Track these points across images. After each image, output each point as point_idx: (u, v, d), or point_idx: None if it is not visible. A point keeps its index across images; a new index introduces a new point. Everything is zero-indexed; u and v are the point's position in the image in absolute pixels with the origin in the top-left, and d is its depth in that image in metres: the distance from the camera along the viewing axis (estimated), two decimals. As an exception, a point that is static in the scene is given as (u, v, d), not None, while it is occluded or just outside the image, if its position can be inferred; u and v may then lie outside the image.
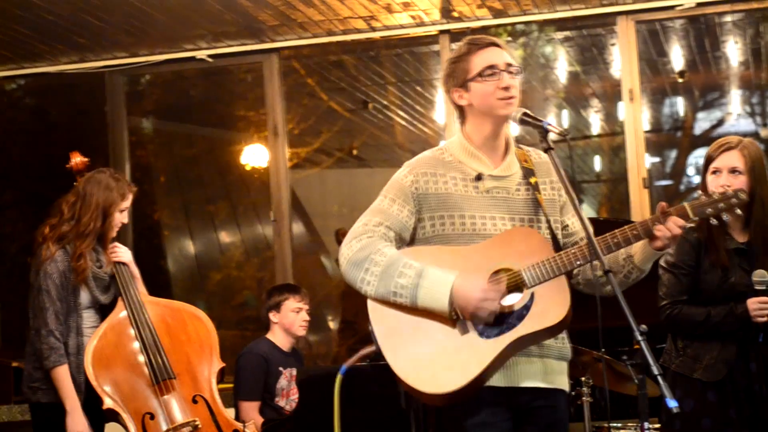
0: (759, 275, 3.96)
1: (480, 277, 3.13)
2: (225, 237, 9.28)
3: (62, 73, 7.71)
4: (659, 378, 2.80)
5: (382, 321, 3.18)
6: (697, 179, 10.32)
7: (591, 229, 3.11)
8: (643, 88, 7.48)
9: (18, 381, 4.85)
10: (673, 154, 10.93)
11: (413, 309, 3.15)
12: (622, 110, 7.23)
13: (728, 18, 7.39)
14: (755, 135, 9.76)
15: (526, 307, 3.14)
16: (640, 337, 2.87)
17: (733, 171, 4.04)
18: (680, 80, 8.89)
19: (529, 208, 3.32)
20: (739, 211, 3.28)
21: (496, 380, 3.14)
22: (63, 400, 4.52)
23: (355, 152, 10.25)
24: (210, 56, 7.55)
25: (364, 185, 10.12)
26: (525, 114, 3.27)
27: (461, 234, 3.24)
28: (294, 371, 5.65)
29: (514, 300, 3.15)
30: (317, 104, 9.16)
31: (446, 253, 3.20)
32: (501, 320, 3.13)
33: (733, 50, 8.22)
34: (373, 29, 7.31)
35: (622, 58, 7.12)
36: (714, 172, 4.09)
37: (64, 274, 4.62)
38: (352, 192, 10.35)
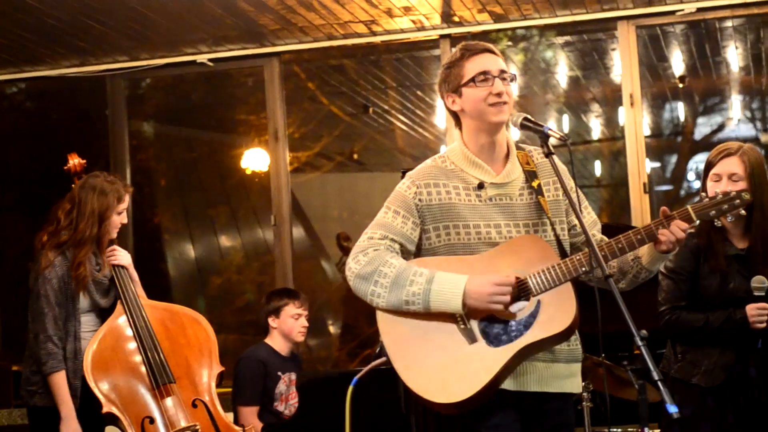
0: (758, 281, 3.96)
1: (489, 275, 3.14)
2: (225, 241, 9.28)
3: (63, 76, 7.71)
4: (660, 383, 2.81)
5: (391, 332, 3.19)
6: (697, 184, 10.32)
7: (591, 235, 3.11)
8: (643, 93, 7.49)
9: (18, 385, 4.85)
10: (674, 159, 10.93)
11: (424, 317, 3.16)
12: (623, 115, 7.23)
13: (729, 23, 7.40)
14: (756, 140, 9.76)
15: (533, 315, 3.15)
16: (640, 343, 2.88)
17: (732, 177, 4.05)
18: (681, 85, 8.89)
19: (532, 213, 3.32)
20: (743, 212, 3.29)
21: (506, 384, 3.16)
22: (58, 406, 4.52)
23: (355, 156, 10.25)
24: (211, 60, 7.56)
25: (364, 189, 10.12)
26: (525, 119, 3.29)
27: (467, 243, 3.24)
28: (293, 376, 5.65)
29: (520, 307, 3.17)
30: (318, 108, 9.16)
31: (452, 263, 3.21)
32: (508, 328, 3.14)
33: (734, 55, 8.22)
34: (374, 33, 7.32)
35: (623, 63, 7.12)
36: (714, 178, 4.09)
37: (63, 279, 4.62)
38: (352, 196, 10.35)
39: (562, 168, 3.40)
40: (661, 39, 7.72)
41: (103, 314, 4.77)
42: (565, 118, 9.93)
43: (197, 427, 4.56)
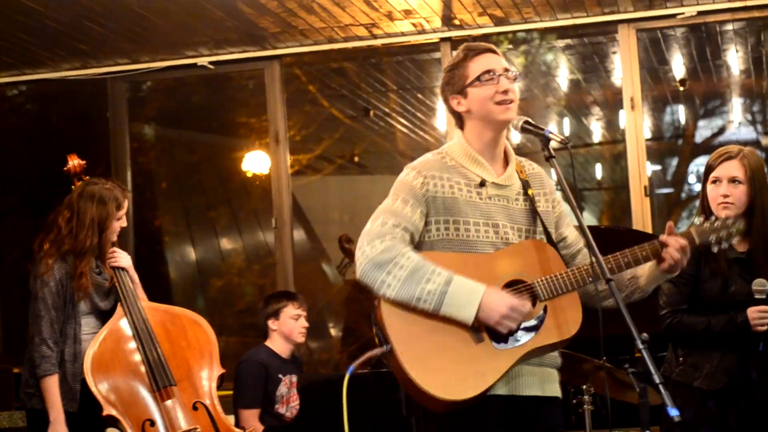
0: (759, 284, 3.96)
1: (508, 294, 3.14)
2: (226, 243, 9.28)
3: (64, 79, 7.72)
4: (661, 386, 2.81)
5: (399, 327, 3.13)
6: (698, 187, 10.31)
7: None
8: (644, 96, 7.49)
9: (19, 387, 4.84)
10: (674, 162, 10.94)
11: (431, 316, 3.13)
12: (623, 118, 7.23)
13: (729, 26, 7.40)
14: (756, 143, 9.76)
15: (539, 320, 3.18)
16: (641, 346, 2.88)
17: (733, 180, 4.05)
18: (681, 88, 8.89)
19: (528, 219, 3.34)
20: (736, 241, 3.38)
21: (499, 389, 3.15)
22: (48, 409, 4.51)
23: (356, 159, 10.25)
24: (211, 63, 7.56)
25: (365, 192, 10.11)
26: (526, 122, 3.29)
27: (465, 240, 3.23)
28: (294, 378, 5.65)
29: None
30: (318, 111, 9.17)
31: (459, 260, 3.19)
32: (513, 331, 3.14)
33: (734, 58, 8.22)
34: (375, 37, 7.32)
35: (623, 66, 7.13)
36: (714, 182, 4.09)
37: (61, 282, 4.61)
38: (353, 199, 10.35)
39: (550, 180, 3.45)
40: (661, 42, 7.72)
41: (103, 316, 4.77)
42: (566, 121, 9.93)
43: (198, 430, 4.56)
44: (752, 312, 3.94)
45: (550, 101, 9.44)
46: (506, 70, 3.30)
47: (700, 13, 6.94)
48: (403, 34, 7.29)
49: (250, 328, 8.26)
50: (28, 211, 8.20)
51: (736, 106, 9.76)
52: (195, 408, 4.64)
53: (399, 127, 9.55)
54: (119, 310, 4.75)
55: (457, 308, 3.10)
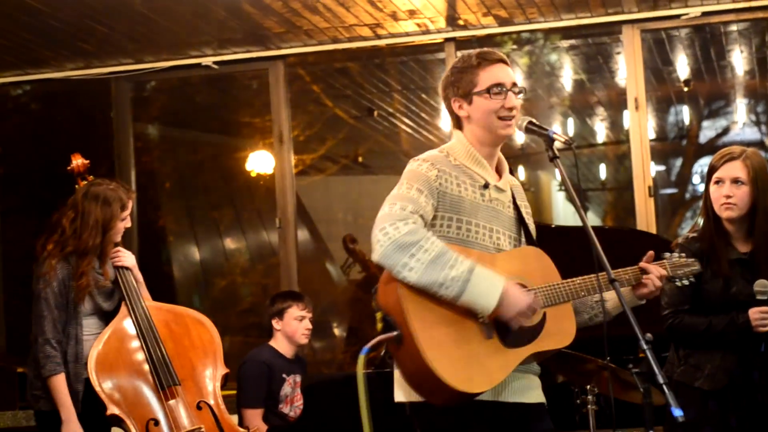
0: (761, 285, 3.96)
1: (525, 291, 3.15)
2: (230, 243, 9.29)
3: (68, 79, 7.73)
4: (665, 387, 2.81)
5: (416, 311, 3.07)
6: (702, 188, 10.30)
7: (597, 241, 3.14)
8: (648, 97, 7.50)
9: (22, 387, 4.85)
10: (679, 162, 10.94)
11: (447, 305, 3.08)
12: (628, 119, 7.23)
13: (734, 27, 7.40)
14: (760, 144, 9.76)
15: (540, 325, 3.20)
16: (645, 346, 2.88)
17: (735, 181, 4.05)
18: (685, 89, 8.89)
19: (516, 227, 3.39)
20: (691, 280, 3.55)
21: (484, 394, 3.11)
22: (59, 409, 4.50)
23: (360, 159, 10.26)
24: (215, 63, 7.57)
25: (369, 192, 10.12)
26: (530, 122, 3.29)
27: (464, 240, 3.23)
28: (298, 378, 5.65)
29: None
30: (322, 111, 9.17)
31: (464, 255, 3.14)
32: (520, 332, 3.16)
33: (739, 59, 8.22)
34: (379, 37, 7.32)
35: (628, 67, 7.12)
36: (717, 182, 4.09)
37: (64, 283, 4.61)
38: (357, 199, 10.36)
39: (521, 191, 3.50)
40: (666, 43, 7.72)
41: (106, 317, 4.76)
42: (570, 121, 9.93)
43: (202, 429, 4.56)
44: (754, 313, 3.94)
45: (554, 101, 9.45)
46: (514, 84, 3.29)
47: (705, 14, 6.94)
48: (407, 35, 7.30)
49: (254, 327, 8.27)
50: (31, 211, 8.20)
51: (740, 106, 9.75)
52: (199, 407, 4.64)
53: (403, 127, 9.56)
54: (123, 309, 4.75)
55: (478, 297, 3.05)
